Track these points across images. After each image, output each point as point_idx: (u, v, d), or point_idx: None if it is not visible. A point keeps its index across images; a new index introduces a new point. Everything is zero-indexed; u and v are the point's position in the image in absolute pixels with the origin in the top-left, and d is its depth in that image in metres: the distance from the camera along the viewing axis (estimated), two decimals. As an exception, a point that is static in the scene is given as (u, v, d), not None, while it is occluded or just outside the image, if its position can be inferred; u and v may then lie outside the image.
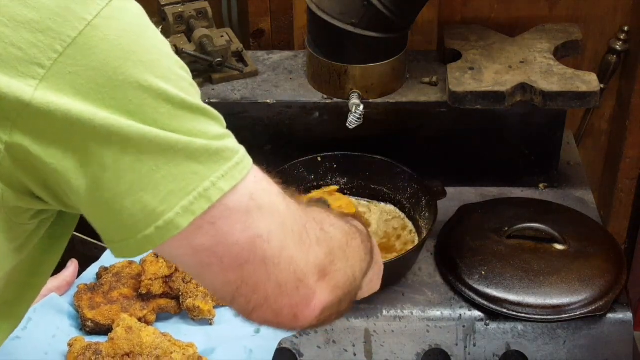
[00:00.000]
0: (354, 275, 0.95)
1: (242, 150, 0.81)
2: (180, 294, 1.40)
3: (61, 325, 1.35)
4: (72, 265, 1.44)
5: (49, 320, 1.34)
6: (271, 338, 1.36)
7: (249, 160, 0.81)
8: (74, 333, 1.35)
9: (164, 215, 0.76)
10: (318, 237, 0.88)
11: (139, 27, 0.76)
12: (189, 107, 0.77)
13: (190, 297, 1.38)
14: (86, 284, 1.41)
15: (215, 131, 0.79)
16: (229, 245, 0.80)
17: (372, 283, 1.18)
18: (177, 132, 0.76)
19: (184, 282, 1.40)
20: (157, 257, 1.41)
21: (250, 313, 0.87)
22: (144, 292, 1.39)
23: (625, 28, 1.90)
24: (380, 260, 1.19)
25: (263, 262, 0.82)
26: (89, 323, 1.36)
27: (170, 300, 1.41)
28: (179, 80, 0.77)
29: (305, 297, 0.86)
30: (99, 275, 1.44)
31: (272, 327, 0.90)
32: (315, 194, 1.59)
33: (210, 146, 0.77)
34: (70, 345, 1.30)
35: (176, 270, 1.41)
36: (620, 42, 1.91)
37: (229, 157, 0.79)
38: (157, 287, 1.38)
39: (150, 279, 1.38)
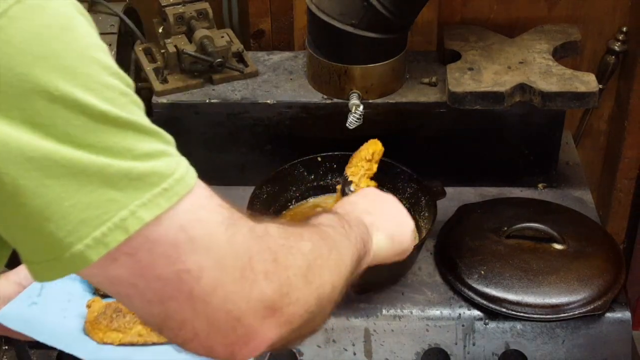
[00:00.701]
0: (320, 296, 0.87)
1: (178, 172, 0.72)
2: None
3: (74, 291, 1.36)
4: None
5: (61, 286, 1.35)
6: None
7: (185, 184, 0.72)
8: (89, 297, 1.36)
9: (72, 247, 0.68)
10: (268, 271, 0.79)
11: (57, 28, 0.67)
12: (112, 120, 0.68)
13: None
14: None
15: (144, 148, 0.70)
16: (149, 279, 0.72)
17: (394, 245, 1.15)
18: (94, 149, 0.67)
19: None
20: None
21: (180, 345, 0.79)
22: None
23: (624, 29, 1.91)
24: (388, 225, 1.15)
25: (190, 299, 0.74)
26: None
27: None
28: (103, 89, 0.68)
29: (244, 336, 0.78)
30: None
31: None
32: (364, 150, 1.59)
33: (133, 169, 0.69)
34: (88, 306, 1.31)
35: None
36: (619, 43, 1.92)
37: (154, 182, 0.70)
38: None
39: None
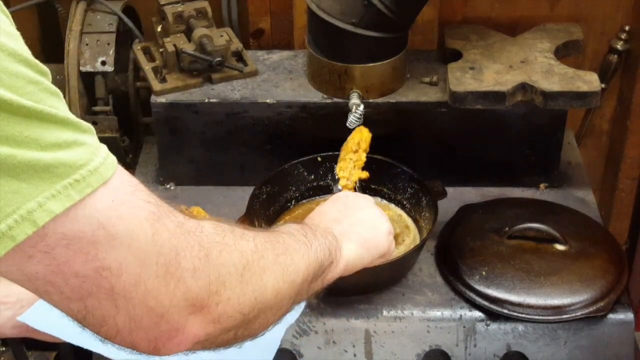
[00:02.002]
0: (258, 300, 0.85)
1: (92, 163, 0.70)
2: None
3: None
4: None
5: None
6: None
7: (100, 176, 0.70)
8: None
9: None
10: (196, 268, 0.78)
11: None
12: (15, 109, 0.65)
13: None
14: None
15: (53, 138, 0.67)
16: (67, 276, 0.70)
17: (370, 252, 1.14)
18: None
19: None
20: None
21: (104, 340, 0.78)
22: None
23: (626, 27, 1.90)
24: (360, 232, 1.15)
25: (110, 296, 0.73)
26: None
27: None
28: (6, 76, 0.65)
29: (168, 332, 0.78)
30: None
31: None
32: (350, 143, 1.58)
33: (40, 160, 0.66)
34: None
35: None
36: (621, 42, 1.91)
37: (64, 173, 0.67)
38: None
39: None
